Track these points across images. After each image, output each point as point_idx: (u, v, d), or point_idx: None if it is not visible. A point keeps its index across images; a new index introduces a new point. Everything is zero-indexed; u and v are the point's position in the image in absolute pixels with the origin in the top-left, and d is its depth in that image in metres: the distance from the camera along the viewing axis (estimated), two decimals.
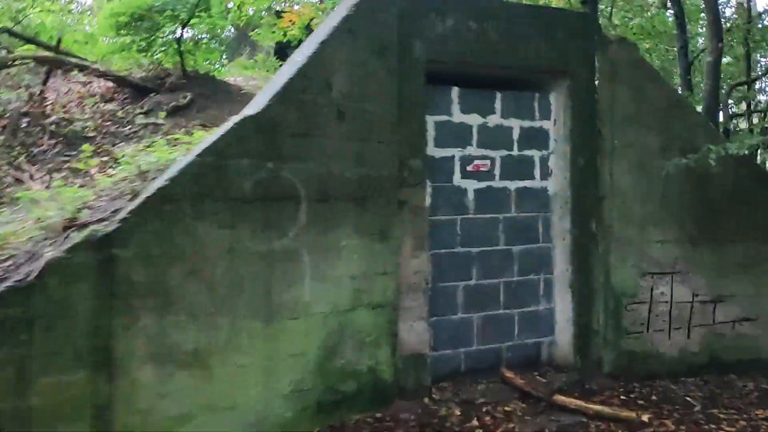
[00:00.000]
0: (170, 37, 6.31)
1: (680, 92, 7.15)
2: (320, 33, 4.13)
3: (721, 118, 8.79)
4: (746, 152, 4.91)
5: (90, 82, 6.32)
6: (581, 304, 5.20)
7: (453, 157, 4.93)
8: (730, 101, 10.35)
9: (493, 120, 5.09)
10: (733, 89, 9.68)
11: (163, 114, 5.49)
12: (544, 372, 5.12)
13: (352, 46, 4.17)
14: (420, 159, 4.56)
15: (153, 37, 6.29)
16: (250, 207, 3.74)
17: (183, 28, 6.32)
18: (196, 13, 6.27)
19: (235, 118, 3.72)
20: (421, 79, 4.54)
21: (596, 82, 5.25)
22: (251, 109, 3.80)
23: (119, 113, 5.60)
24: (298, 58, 4.08)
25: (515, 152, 5.19)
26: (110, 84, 6.21)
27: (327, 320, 4.05)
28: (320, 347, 4.02)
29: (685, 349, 5.33)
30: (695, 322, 5.36)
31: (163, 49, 6.40)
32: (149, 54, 6.44)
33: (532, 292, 5.26)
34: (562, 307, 5.26)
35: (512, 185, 5.17)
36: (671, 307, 5.31)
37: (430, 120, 4.81)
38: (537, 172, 5.28)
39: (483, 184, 5.05)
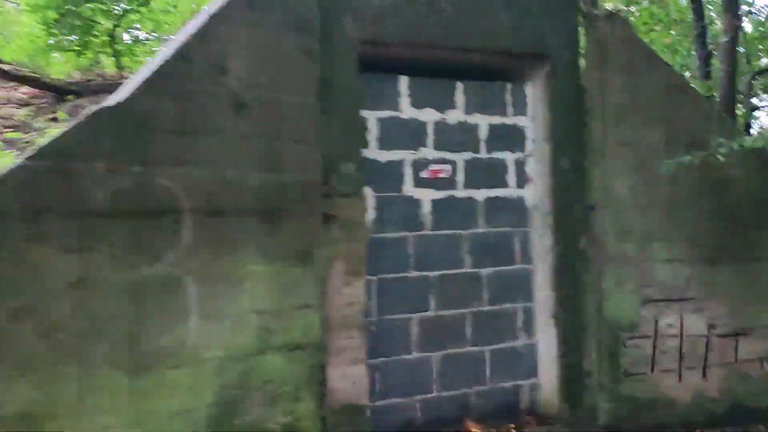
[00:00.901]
0: (106, 36, 5.58)
1: (699, 84, 6.15)
2: (213, 5, 3.30)
3: (742, 111, 7.74)
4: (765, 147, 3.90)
5: (16, 87, 5.63)
6: (568, 340, 4.22)
7: (403, 161, 4.03)
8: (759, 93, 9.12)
9: (454, 116, 4.18)
10: (755, 77, 8.50)
11: (63, 115, 4.74)
12: (523, 423, 4.15)
13: (256, 21, 3.33)
14: (355, 163, 3.67)
15: (87, 38, 5.57)
16: (109, 224, 2.89)
17: (117, 24, 5.59)
18: (135, 8, 5.53)
19: (89, 111, 2.90)
20: (353, 64, 3.67)
21: (581, 67, 4.32)
22: (112, 99, 2.98)
23: (23, 118, 4.88)
24: (181, 37, 3.26)
25: (483, 155, 4.27)
26: (35, 89, 5.52)
27: (223, 368, 3.17)
28: (213, 403, 3.14)
29: (700, 394, 4.30)
30: (713, 361, 4.33)
31: (100, 50, 5.67)
32: (85, 55, 5.72)
33: (507, 325, 4.30)
34: (546, 343, 4.29)
35: (480, 195, 4.24)
36: (682, 342, 4.29)
37: (372, 116, 3.94)
38: (511, 179, 4.34)
39: (442, 194, 4.13)
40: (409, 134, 4.05)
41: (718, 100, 5.96)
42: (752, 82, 8.10)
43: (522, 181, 4.37)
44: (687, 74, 9.20)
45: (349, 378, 3.62)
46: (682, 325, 4.29)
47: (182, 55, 3.09)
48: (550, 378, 4.25)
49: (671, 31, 8.96)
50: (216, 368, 3.15)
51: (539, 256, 4.33)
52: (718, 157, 3.67)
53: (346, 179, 3.63)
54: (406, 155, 4.04)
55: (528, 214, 4.38)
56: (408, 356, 4.00)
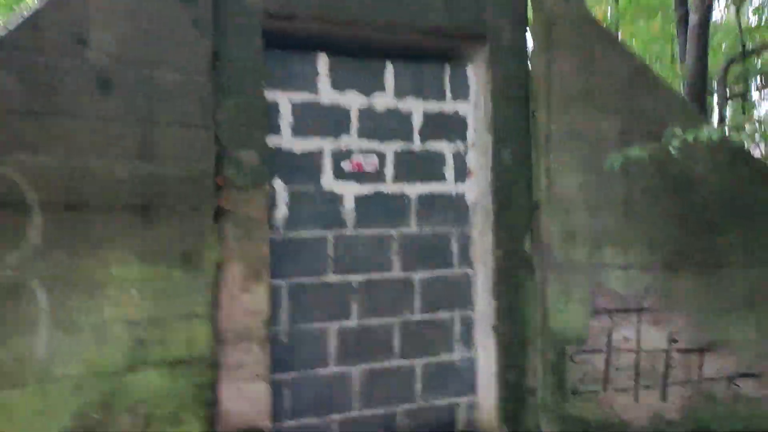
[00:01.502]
0: None
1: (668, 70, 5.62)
2: None
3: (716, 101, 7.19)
4: (736, 140, 3.42)
5: None
6: (510, 353, 3.76)
7: (321, 151, 3.57)
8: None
9: (383, 101, 3.72)
10: (730, 65, 7.91)
11: None
12: None
13: None
14: (257, 151, 3.22)
15: None
16: None
17: None
18: None
19: None
20: (255, 38, 3.21)
21: (528, 48, 3.85)
22: None
23: None
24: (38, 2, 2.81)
25: (417, 145, 3.80)
26: None
27: (82, 387, 2.73)
28: (70, 428, 2.71)
29: (659, 416, 3.83)
30: (674, 379, 3.86)
31: None
32: None
33: (442, 336, 3.84)
34: (486, 357, 3.84)
35: (413, 190, 3.78)
36: (639, 358, 3.82)
37: (285, 99, 3.48)
38: (449, 173, 3.88)
39: (368, 189, 3.68)
40: (329, 120, 3.59)
41: (685, 87, 5.47)
42: (728, 69, 7.55)
43: (462, 175, 3.90)
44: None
45: (247, 397, 3.17)
46: (639, 338, 3.82)
47: (33, 23, 2.65)
48: (489, 396, 3.80)
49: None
50: (73, 387, 2.72)
51: (480, 259, 3.87)
52: (671, 150, 3.19)
53: (244, 170, 3.18)
54: (325, 144, 3.58)
55: (468, 213, 3.91)
56: (325, 371, 3.55)
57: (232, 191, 3.15)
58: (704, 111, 6.47)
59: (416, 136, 3.79)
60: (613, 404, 3.79)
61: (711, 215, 3.85)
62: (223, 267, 3.13)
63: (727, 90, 7.66)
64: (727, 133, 3.14)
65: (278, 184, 3.45)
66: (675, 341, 3.85)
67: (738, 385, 3.83)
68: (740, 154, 3.91)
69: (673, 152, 3.18)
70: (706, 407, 3.85)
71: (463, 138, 3.91)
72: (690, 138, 3.14)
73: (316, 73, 3.56)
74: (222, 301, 3.12)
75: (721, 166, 3.86)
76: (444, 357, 3.84)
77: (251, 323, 3.19)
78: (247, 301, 3.19)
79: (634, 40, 9.79)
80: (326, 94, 3.58)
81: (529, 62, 3.83)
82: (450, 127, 3.88)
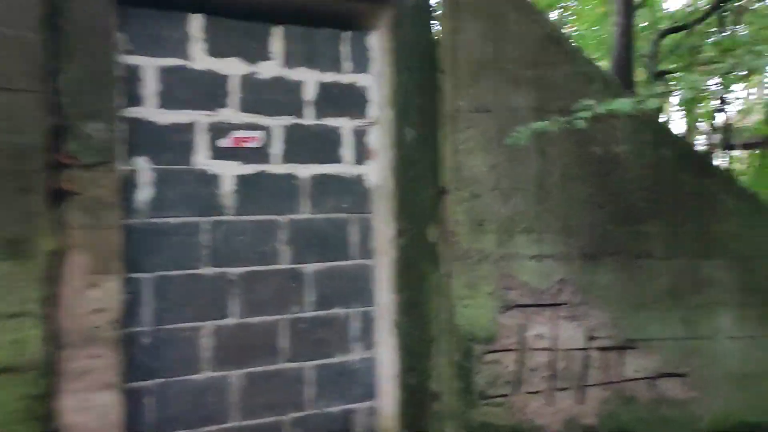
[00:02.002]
0: None
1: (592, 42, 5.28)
2: None
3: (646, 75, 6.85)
4: (650, 110, 3.08)
5: None
6: (411, 354, 3.39)
7: (193, 124, 3.13)
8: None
9: (269, 69, 3.29)
10: (664, 36, 7.63)
11: None
12: None
13: None
14: (107, 123, 2.76)
15: None
16: None
17: None
18: None
19: None
20: None
21: (434, 12, 3.46)
22: None
23: None
24: None
25: (310, 121, 3.38)
26: None
27: None
28: None
29: (575, 421, 3.50)
30: (593, 380, 3.54)
31: None
32: None
33: (338, 335, 3.45)
34: (387, 358, 3.45)
35: (304, 171, 3.37)
36: (555, 358, 3.49)
37: (149, 64, 3.02)
38: (348, 152, 3.47)
39: (250, 169, 3.25)
40: (203, 91, 3.14)
41: (611, 61, 5.17)
42: (660, 41, 7.26)
43: (362, 155, 3.50)
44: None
45: (94, 409, 2.73)
46: (555, 336, 3.48)
47: None
48: (390, 401, 3.42)
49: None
50: None
51: (383, 249, 3.47)
52: (577, 123, 2.83)
53: (91, 145, 2.72)
54: (199, 117, 3.14)
55: (369, 197, 3.52)
56: (196, 376, 3.12)
57: (77, 170, 2.69)
58: (630, 85, 6.20)
59: (309, 111, 3.37)
60: (526, 408, 3.45)
61: (633, 201, 3.53)
62: (65, 258, 2.67)
63: (658, 66, 7.44)
64: (643, 106, 2.78)
65: (141, 162, 2.99)
66: (594, 338, 3.53)
67: (664, 383, 3.52)
68: (664, 134, 3.59)
69: (580, 125, 2.82)
70: (626, 410, 3.54)
71: (365, 114, 3.50)
72: (601, 110, 2.79)
73: (188, 37, 3.11)
74: (63, 298, 2.67)
75: (644, 148, 3.53)
76: (340, 358, 3.44)
77: (99, 323, 2.74)
78: (94, 298, 2.74)
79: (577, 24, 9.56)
80: (201, 60, 3.13)
81: (431, 27, 3.44)
82: (349, 101, 3.47)
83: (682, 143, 3.61)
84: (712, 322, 3.61)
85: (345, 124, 3.46)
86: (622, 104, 2.69)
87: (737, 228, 3.62)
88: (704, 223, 3.59)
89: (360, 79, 3.49)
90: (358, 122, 3.49)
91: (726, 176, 3.63)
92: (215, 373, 3.16)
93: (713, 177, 3.61)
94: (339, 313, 3.44)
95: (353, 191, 3.48)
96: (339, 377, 3.44)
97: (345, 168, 3.46)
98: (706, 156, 3.61)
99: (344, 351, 3.45)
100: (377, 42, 3.49)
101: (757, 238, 3.64)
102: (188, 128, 3.11)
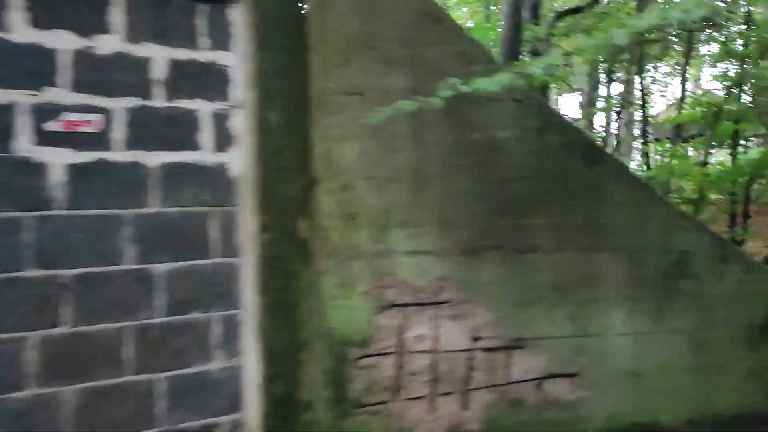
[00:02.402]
0: None
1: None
2: None
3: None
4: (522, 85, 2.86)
5: None
6: (278, 360, 3.08)
7: (13, 106, 2.71)
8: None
9: (108, 44, 2.89)
10: (561, 18, 7.59)
11: None
12: None
13: None
14: None
15: None
16: None
17: None
18: None
19: None
20: None
21: None
22: None
23: None
24: None
25: (160, 103, 3.00)
26: None
27: None
28: None
29: (459, 427, 3.27)
30: (478, 383, 3.31)
31: None
32: None
33: (196, 342, 3.09)
34: (252, 366, 3.13)
35: (154, 159, 2.99)
36: (437, 360, 3.25)
37: None
38: (207, 139, 3.11)
39: (86, 157, 2.85)
40: (25, 67, 2.73)
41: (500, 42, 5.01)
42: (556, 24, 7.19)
43: (224, 142, 3.15)
44: None
45: None
46: (436, 337, 3.24)
47: None
48: (256, 412, 3.10)
49: None
50: None
51: (248, 246, 3.14)
52: (435, 101, 2.57)
53: None
54: (20, 97, 2.72)
55: (233, 188, 3.17)
56: (18, 394, 2.72)
57: None
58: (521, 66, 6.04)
59: (159, 92, 2.99)
60: (406, 416, 3.20)
61: (518, 192, 3.31)
62: None
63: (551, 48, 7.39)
64: (511, 84, 2.54)
65: None
66: (478, 339, 3.30)
67: (552, 385, 3.33)
68: (551, 120, 3.38)
69: (437, 103, 2.57)
70: (512, 414, 3.34)
71: (227, 96, 3.15)
72: (468, 89, 2.53)
73: (5, 5, 2.68)
74: None
75: (529, 135, 3.32)
76: (199, 368, 3.09)
77: None
78: None
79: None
80: (22, 31, 2.71)
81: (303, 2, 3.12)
82: (208, 82, 3.11)
83: (571, 129, 3.41)
84: (602, 318, 3.45)
85: (203, 108, 3.10)
86: (488, 83, 2.44)
87: (627, 219, 3.46)
88: (593, 214, 3.42)
89: (221, 57, 3.14)
90: (219, 105, 3.13)
91: (616, 165, 3.46)
92: (43, 390, 2.76)
93: (603, 165, 3.43)
94: (197, 318, 3.09)
95: (214, 182, 3.13)
96: (198, 389, 3.09)
97: (204, 156, 3.10)
98: (596, 143, 3.41)
99: (204, 360, 3.11)
100: (239, 15, 3.14)
101: (648, 230, 3.49)
102: (6, 110, 2.69)
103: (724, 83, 6.17)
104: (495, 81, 2.45)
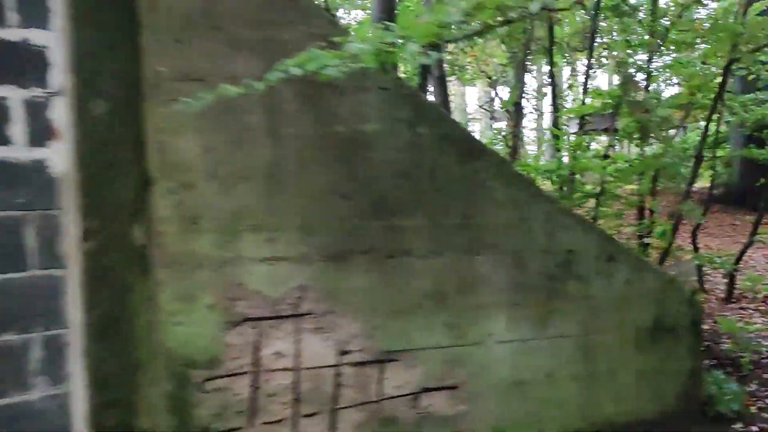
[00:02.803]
0: None
1: None
2: None
3: None
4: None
5: None
6: (109, 386, 2.67)
7: None
8: None
9: None
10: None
11: None
12: None
13: None
14: None
15: None
16: None
17: None
18: None
19: None
20: None
21: None
22: None
23: None
24: None
25: None
26: None
27: None
28: None
29: None
30: (347, 401, 3.00)
31: None
32: None
33: (10, 369, 2.65)
34: (81, 394, 2.71)
35: None
36: (299, 378, 2.91)
37: None
38: (19, 132, 2.66)
39: None
40: None
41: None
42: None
43: (41, 135, 2.70)
44: None
45: None
46: (298, 353, 2.91)
47: None
48: None
49: None
50: None
51: (73, 256, 2.71)
52: (257, 86, 2.23)
53: None
54: None
55: (55, 189, 2.73)
56: None
57: None
58: None
59: None
60: None
61: (387, 190, 3.01)
62: None
63: None
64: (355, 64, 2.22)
65: None
66: (346, 353, 2.99)
67: (430, 399, 3.05)
68: (424, 111, 3.09)
69: (260, 87, 2.23)
70: None
71: (43, 82, 2.71)
72: (299, 71, 2.19)
73: None
74: None
75: (400, 127, 3.02)
76: (15, 398, 2.65)
77: None
78: None
79: None
80: None
81: None
82: (19, 65, 2.65)
83: (446, 122, 3.13)
84: (483, 325, 3.19)
85: (13, 95, 2.64)
86: (299, 63, 2.10)
87: (508, 219, 3.22)
88: (472, 213, 3.15)
89: (36, 36, 2.68)
90: (34, 92, 2.68)
91: (496, 160, 3.21)
92: None
93: (481, 161, 3.16)
94: (12, 341, 2.65)
95: (30, 182, 2.68)
96: (14, 422, 2.65)
97: (16, 152, 2.64)
98: (473, 137, 3.15)
99: (22, 388, 2.67)
100: None
101: (531, 230, 3.26)
102: None
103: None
104: (305, 59, 2.10)
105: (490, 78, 12.58)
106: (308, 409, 2.94)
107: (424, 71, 7.32)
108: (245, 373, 2.83)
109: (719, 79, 5.26)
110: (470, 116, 22.66)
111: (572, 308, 3.36)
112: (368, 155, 2.96)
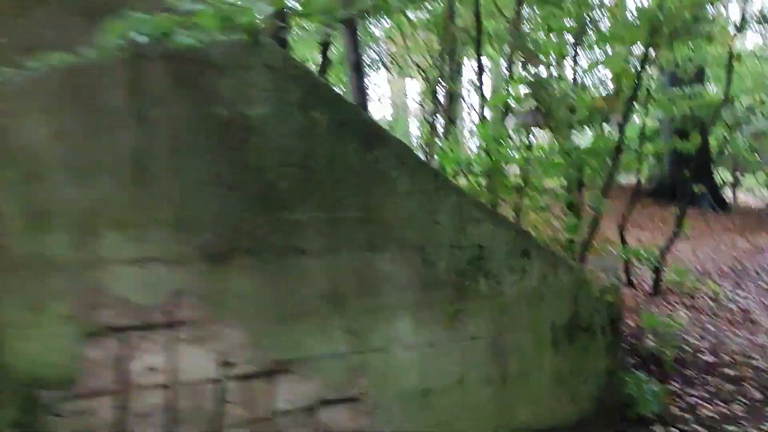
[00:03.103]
0: None
1: None
2: None
3: None
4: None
5: None
6: None
7: None
8: None
9: None
10: None
11: None
12: None
13: None
14: None
15: None
16: None
17: None
18: None
19: None
20: None
21: None
22: None
23: None
24: None
25: None
26: None
27: None
28: None
29: None
30: (233, 419, 2.67)
31: None
32: None
33: None
34: None
35: None
36: (175, 395, 2.57)
37: None
38: None
39: None
40: None
41: None
42: None
43: None
44: None
45: None
46: (173, 366, 2.56)
47: None
48: None
49: None
50: None
51: None
52: (89, 55, 1.89)
53: None
54: None
55: None
56: None
57: None
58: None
59: None
60: None
61: (276, 181, 2.69)
62: None
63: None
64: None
65: None
66: (230, 365, 2.66)
67: (329, 412, 2.76)
68: (319, 94, 2.79)
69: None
70: None
71: None
72: (141, 38, 1.85)
73: None
74: None
75: (290, 111, 2.71)
76: None
77: None
78: None
79: None
80: None
81: None
82: None
83: (344, 106, 2.84)
84: (386, 330, 2.93)
85: None
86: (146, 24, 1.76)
87: (413, 212, 2.96)
88: (372, 207, 2.87)
89: None
90: None
91: (400, 148, 2.94)
92: None
93: (383, 149, 2.89)
94: None
95: None
96: None
97: None
98: (375, 123, 2.87)
99: None
100: None
101: (438, 224, 3.01)
102: None
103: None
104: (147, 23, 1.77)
105: (422, 70, 12.38)
106: (187, 430, 2.60)
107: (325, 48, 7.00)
108: (110, 392, 2.46)
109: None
110: (410, 111, 22.49)
111: (484, 307, 3.14)
112: (256, 142, 2.64)
